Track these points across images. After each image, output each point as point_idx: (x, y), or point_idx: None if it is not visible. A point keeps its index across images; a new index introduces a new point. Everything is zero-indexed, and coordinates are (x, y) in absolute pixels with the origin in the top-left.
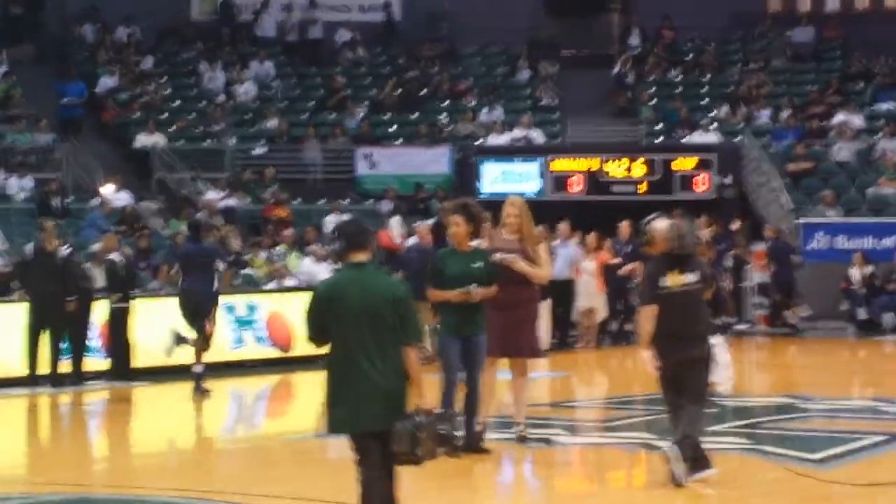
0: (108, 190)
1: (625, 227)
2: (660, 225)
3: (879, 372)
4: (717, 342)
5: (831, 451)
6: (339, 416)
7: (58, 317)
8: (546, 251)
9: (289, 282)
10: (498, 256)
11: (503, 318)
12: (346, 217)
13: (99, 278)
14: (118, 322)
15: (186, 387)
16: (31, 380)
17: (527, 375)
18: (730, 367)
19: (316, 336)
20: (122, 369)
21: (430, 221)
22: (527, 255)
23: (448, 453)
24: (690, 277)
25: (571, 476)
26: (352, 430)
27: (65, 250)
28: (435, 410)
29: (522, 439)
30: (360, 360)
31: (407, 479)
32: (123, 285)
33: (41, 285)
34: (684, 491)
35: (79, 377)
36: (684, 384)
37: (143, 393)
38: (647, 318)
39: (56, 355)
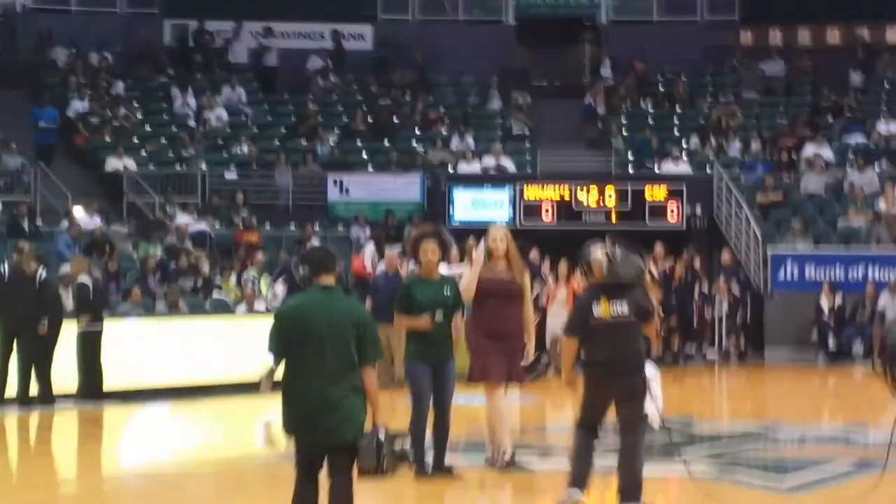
0: (78, 213)
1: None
2: (598, 253)
3: (849, 400)
4: (651, 374)
5: (801, 479)
6: (295, 423)
7: (30, 339)
8: (528, 279)
9: (259, 306)
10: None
11: (500, 346)
12: (316, 242)
13: (67, 300)
14: (89, 344)
15: (156, 408)
16: None
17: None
18: (659, 400)
19: (278, 353)
20: (93, 391)
21: (399, 248)
22: (516, 284)
23: (413, 471)
24: (622, 308)
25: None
26: (305, 436)
27: (42, 272)
28: (390, 430)
29: (510, 465)
30: (320, 378)
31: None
32: (93, 307)
33: (16, 307)
34: None
35: (48, 398)
36: (618, 418)
37: (113, 414)
38: (567, 350)
39: (27, 377)
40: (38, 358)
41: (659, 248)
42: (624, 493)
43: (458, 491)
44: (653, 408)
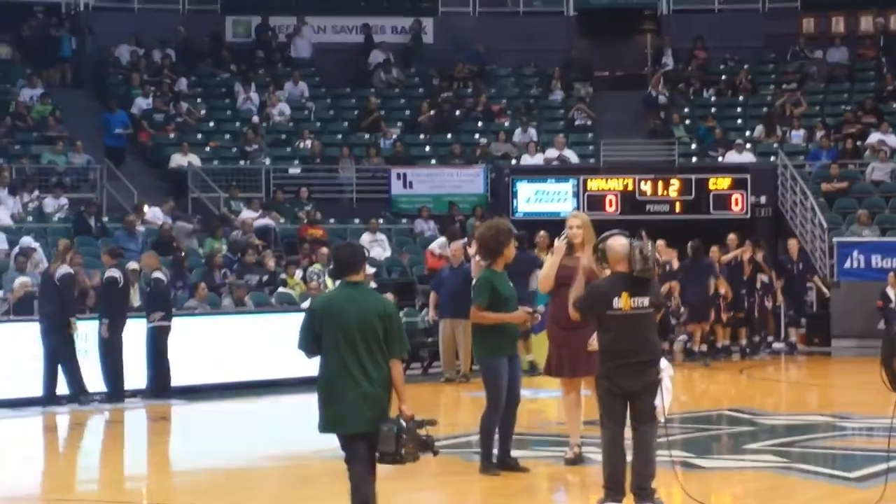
0: (151, 212)
1: (660, 246)
2: (617, 244)
3: None
4: (663, 366)
5: (869, 470)
6: (331, 417)
7: (57, 337)
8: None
9: None
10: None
11: (575, 336)
12: (379, 237)
13: (135, 297)
14: (159, 340)
15: (223, 404)
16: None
17: (579, 393)
18: (670, 392)
19: (310, 347)
20: (162, 387)
21: (462, 241)
22: (588, 270)
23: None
24: (643, 301)
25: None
26: (342, 431)
27: (62, 271)
28: (415, 417)
29: (577, 459)
30: (352, 370)
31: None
32: (167, 303)
33: (42, 307)
34: None
35: (117, 396)
36: (634, 410)
37: (181, 411)
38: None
39: (53, 375)
40: (103, 356)
41: (733, 238)
42: (638, 489)
43: (523, 485)
44: (660, 401)
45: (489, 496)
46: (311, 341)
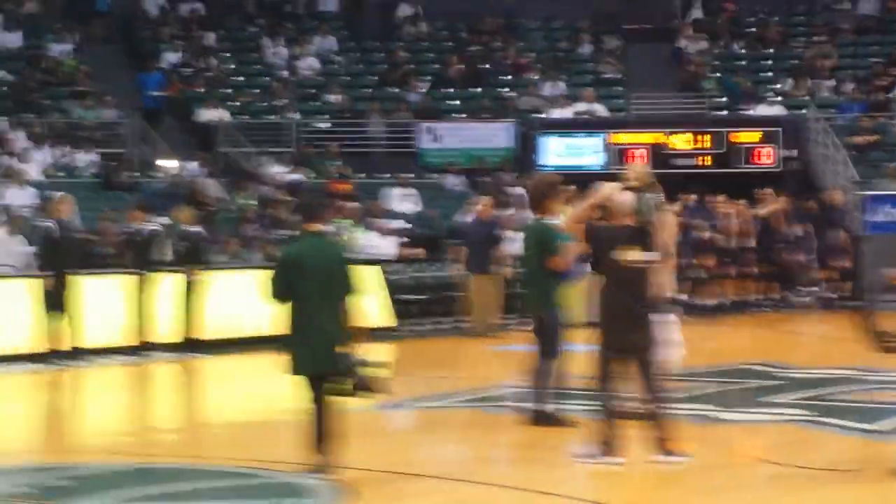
0: (167, 164)
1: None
2: (623, 196)
3: None
4: (671, 319)
5: (894, 423)
6: (303, 360)
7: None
8: (673, 222)
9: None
10: None
11: None
12: (409, 191)
13: (167, 250)
14: (195, 294)
15: (253, 358)
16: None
17: None
18: (682, 345)
19: (281, 294)
20: (196, 340)
21: (489, 196)
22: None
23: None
24: (646, 254)
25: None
26: (310, 371)
27: (52, 224)
28: (365, 358)
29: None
30: (320, 315)
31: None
32: (203, 257)
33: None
34: (745, 462)
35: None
36: (634, 360)
37: (211, 364)
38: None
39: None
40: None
41: (768, 192)
42: (657, 443)
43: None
44: (669, 353)
45: (517, 449)
46: (283, 289)
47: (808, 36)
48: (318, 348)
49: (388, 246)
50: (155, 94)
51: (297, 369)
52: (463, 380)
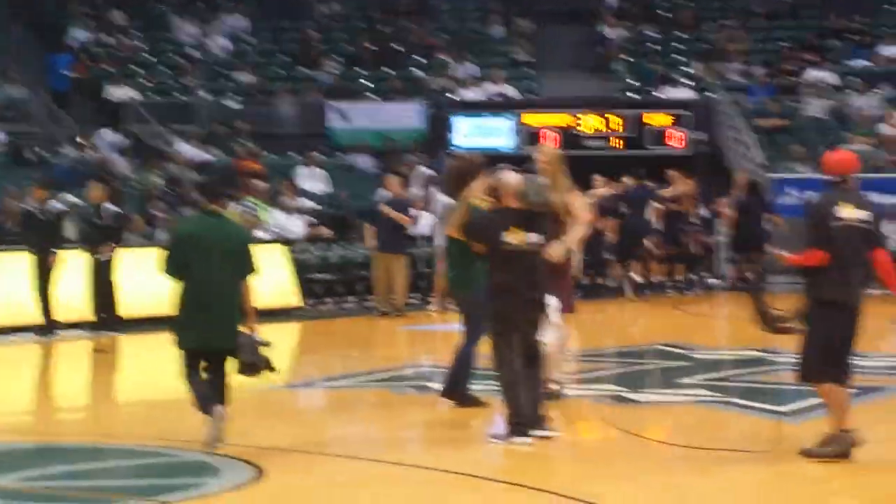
0: (83, 143)
1: (598, 181)
2: (512, 178)
3: None
4: (550, 302)
5: (801, 404)
6: (196, 336)
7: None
8: (581, 200)
9: (260, 234)
10: None
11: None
12: (318, 171)
13: (71, 229)
14: (109, 272)
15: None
16: None
17: (561, 331)
18: (559, 328)
19: (175, 271)
20: (110, 319)
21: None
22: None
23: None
24: (534, 237)
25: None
26: (208, 348)
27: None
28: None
29: (554, 396)
30: (215, 291)
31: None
32: (118, 235)
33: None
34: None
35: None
36: (523, 343)
37: (120, 342)
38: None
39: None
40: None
41: (675, 174)
42: (528, 420)
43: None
44: (549, 337)
45: (426, 429)
46: (178, 266)
47: (719, 20)
48: (211, 325)
49: (295, 225)
50: (65, 73)
51: (182, 343)
52: (371, 360)
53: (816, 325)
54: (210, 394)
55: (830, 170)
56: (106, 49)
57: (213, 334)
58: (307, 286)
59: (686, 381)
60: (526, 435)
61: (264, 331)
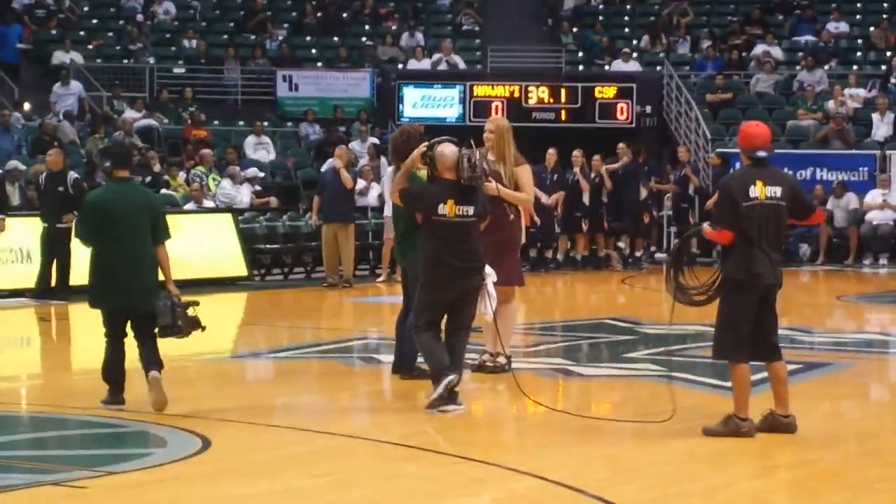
0: (26, 108)
1: (551, 155)
2: (448, 151)
3: (795, 302)
4: (489, 272)
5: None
6: (104, 296)
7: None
8: (527, 174)
9: (207, 203)
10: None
11: (496, 243)
12: (265, 139)
13: (12, 196)
14: (68, 241)
15: None
16: None
17: (511, 303)
18: (495, 298)
19: (88, 237)
20: (65, 287)
21: (350, 145)
22: (499, 177)
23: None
24: (468, 209)
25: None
26: (114, 307)
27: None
28: (181, 298)
29: (502, 368)
30: (126, 256)
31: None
32: (75, 203)
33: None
34: (589, 414)
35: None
36: (455, 314)
37: (73, 311)
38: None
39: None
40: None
41: (622, 147)
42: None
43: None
44: (486, 307)
45: (377, 400)
46: (90, 231)
47: None
48: (121, 289)
49: (241, 194)
50: (18, 46)
51: (95, 304)
52: (319, 331)
53: (723, 304)
54: (116, 369)
55: (748, 143)
56: (50, 13)
57: (123, 297)
58: (254, 256)
59: (633, 355)
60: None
61: (211, 301)
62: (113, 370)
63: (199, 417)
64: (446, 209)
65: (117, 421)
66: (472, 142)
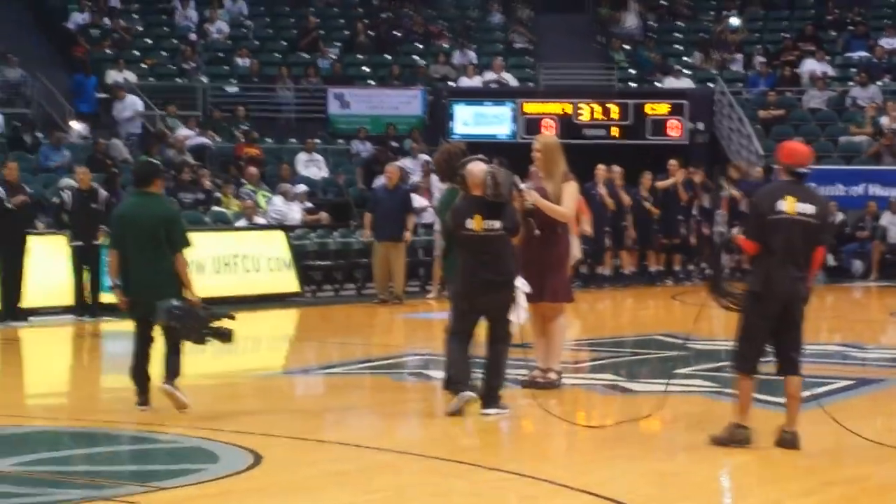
0: (77, 126)
1: (601, 171)
2: (476, 169)
3: (848, 318)
4: (521, 283)
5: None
6: (128, 303)
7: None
8: (572, 190)
9: (259, 220)
10: (523, 192)
11: (530, 262)
12: (317, 156)
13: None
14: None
15: None
16: None
17: (560, 319)
18: (525, 310)
19: (113, 245)
20: (94, 305)
21: (402, 162)
22: (545, 194)
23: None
24: (495, 224)
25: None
26: (133, 313)
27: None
28: (199, 304)
29: (553, 384)
30: (141, 263)
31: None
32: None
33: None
34: (640, 428)
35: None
36: (490, 327)
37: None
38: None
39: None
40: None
41: (674, 163)
42: (486, 398)
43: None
44: (515, 318)
45: (427, 416)
46: (114, 241)
47: (718, 10)
48: (135, 294)
49: (292, 211)
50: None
51: (125, 310)
52: (369, 346)
53: (742, 315)
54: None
55: (790, 159)
56: (105, 32)
57: (136, 303)
58: (305, 273)
59: (683, 371)
60: (459, 391)
61: (263, 317)
62: (134, 373)
63: (251, 433)
64: (473, 224)
65: (169, 436)
66: (498, 160)
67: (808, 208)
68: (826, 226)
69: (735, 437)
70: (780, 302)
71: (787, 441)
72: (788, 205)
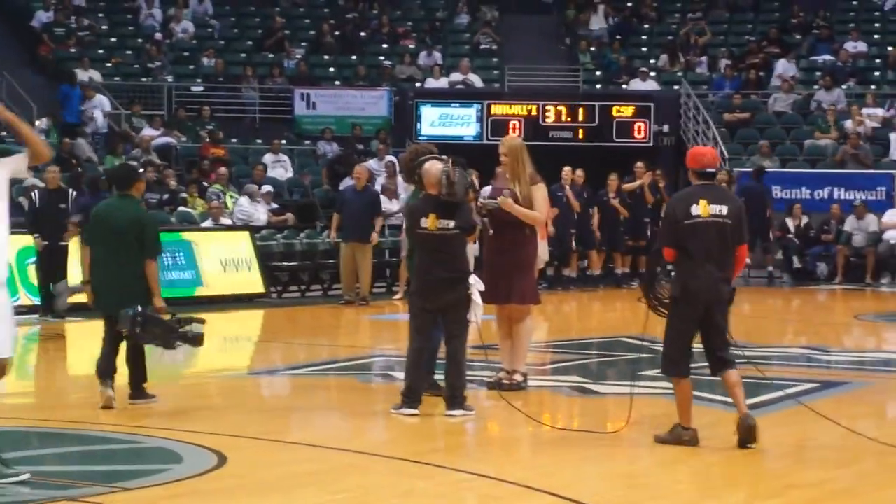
0: (44, 125)
1: (567, 173)
2: (432, 168)
3: (813, 321)
4: (474, 281)
5: (764, 398)
6: (97, 299)
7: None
8: (542, 193)
9: (225, 220)
10: (482, 201)
11: (497, 264)
12: (282, 157)
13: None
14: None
15: None
16: None
17: (527, 321)
18: (480, 307)
19: (86, 243)
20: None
21: (366, 164)
22: (515, 197)
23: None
24: (449, 223)
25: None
26: (104, 310)
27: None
28: (165, 311)
29: (518, 386)
30: (109, 264)
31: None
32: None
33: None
34: (619, 434)
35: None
36: (446, 324)
37: (74, 329)
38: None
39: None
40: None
41: (640, 166)
42: (451, 399)
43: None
44: (472, 315)
45: (393, 417)
46: (88, 239)
47: (683, 12)
48: (105, 294)
49: (259, 212)
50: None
51: (94, 306)
52: (335, 348)
53: (668, 320)
54: (105, 363)
55: (696, 163)
56: (70, 31)
57: (102, 301)
58: (271, 273)
59: (649, 373)
60: (412, 407)
61: (228, 318)
62: (100, 365)
63: (216, 434)
64: (428, 223)
65: (134, 437)
66: (451, 159)
67: (722, 209)
68: (741, 225)
69: (679, 439)
70: (701, 304)
71: (745, 426)
72: (702, 208)
